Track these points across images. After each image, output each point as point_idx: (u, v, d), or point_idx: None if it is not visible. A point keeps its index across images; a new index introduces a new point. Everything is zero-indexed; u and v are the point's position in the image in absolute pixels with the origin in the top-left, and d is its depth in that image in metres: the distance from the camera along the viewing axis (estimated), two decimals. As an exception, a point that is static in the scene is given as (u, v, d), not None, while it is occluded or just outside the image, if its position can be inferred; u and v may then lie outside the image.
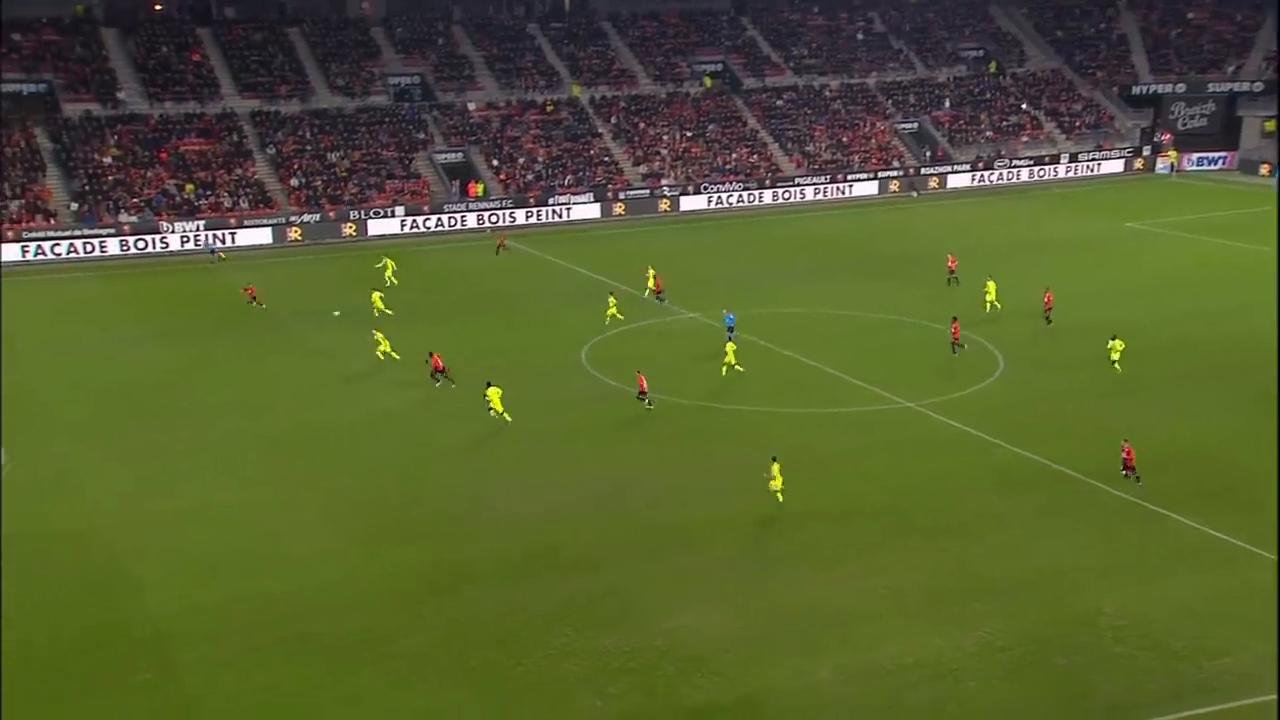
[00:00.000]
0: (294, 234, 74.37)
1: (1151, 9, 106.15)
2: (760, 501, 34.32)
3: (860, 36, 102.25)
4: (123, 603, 29.98)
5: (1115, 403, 42.83)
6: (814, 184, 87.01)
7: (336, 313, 54.76)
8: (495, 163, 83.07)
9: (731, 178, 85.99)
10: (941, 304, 54.50)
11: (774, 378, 46.54)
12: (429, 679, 26.58)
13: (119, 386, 46.58)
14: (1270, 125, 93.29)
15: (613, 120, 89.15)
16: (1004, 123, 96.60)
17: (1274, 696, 25.14)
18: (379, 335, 48.57)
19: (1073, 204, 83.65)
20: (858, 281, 61.45)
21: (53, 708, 25.77)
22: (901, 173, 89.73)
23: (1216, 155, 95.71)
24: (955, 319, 49.03)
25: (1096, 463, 36.49)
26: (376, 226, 76.24)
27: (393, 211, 77.17)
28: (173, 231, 71.94)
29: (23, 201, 71.33)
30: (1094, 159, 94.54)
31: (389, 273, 61.55)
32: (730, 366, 45.68)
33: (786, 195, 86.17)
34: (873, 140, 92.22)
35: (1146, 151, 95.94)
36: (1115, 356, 45.05)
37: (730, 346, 46.30)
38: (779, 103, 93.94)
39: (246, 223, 73.76)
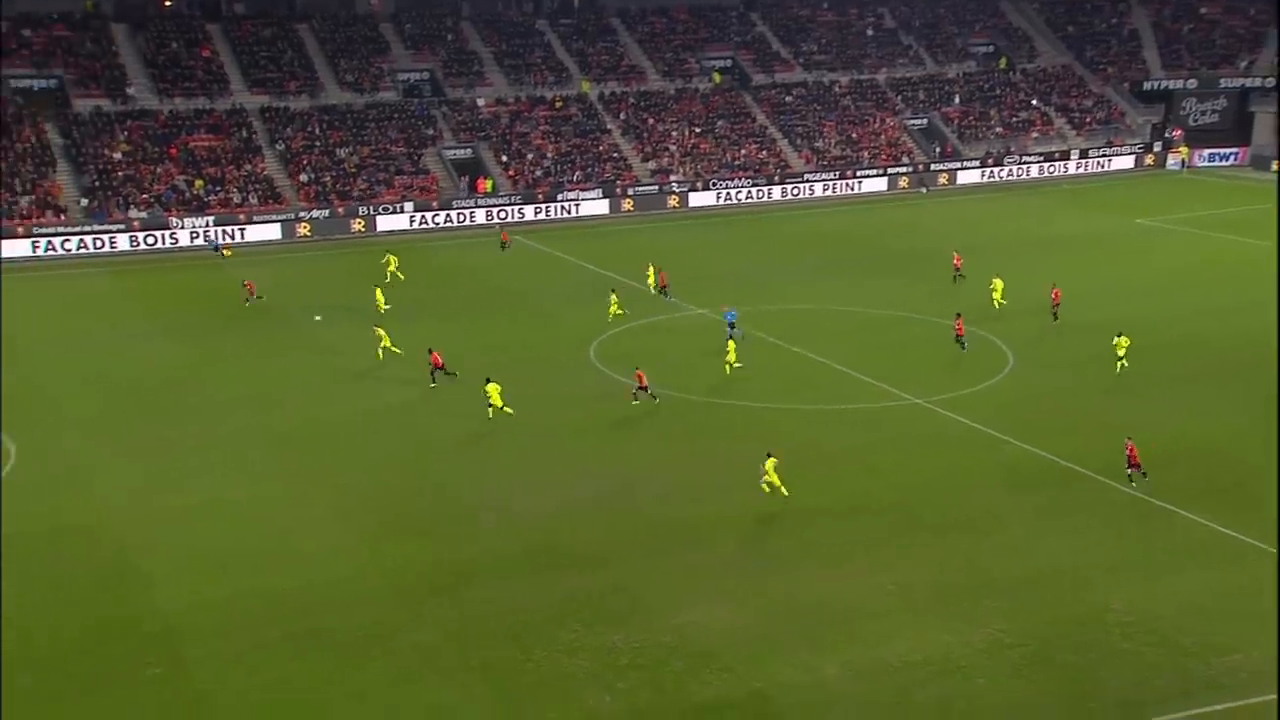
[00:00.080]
0: (303, 230, 74.48)
1: (1164, 4, 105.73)
2: (767, 498, 34.30)
3: (870, 32, 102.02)
4: (133, 598, 30.08)
5: (1125, 399, 42.73)
6: (823, 180, 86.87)
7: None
8: (504, 159, 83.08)
9: (740, 174, 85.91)
10: (950, 300, 54.38)
11: (782, 374, 46.51)
12: (438, 674, 26.63)
13: (129, 382, 46.71)
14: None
15: (622, 116, 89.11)
16: (1014, 119, 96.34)
17: (1283, 694, 25.10)
18: (380, 331, 48.64)
19: (1083, 200, 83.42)
20: (866, 278, 61.36)
21: (64, 701, 25.86)
22: (911, 169, 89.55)
23: (1228, 151, 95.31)
24: (959, 315, 48.96)
25: (1105, 459, 36.38)
26: (385, 222, 76.31)
27: (402, 207, 77.22)
28: (182, 227, 72.11)
29: (33, 197, 71.53)
30: (1104, 155, 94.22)
31: (391, 268, 61.59)
32: (731, 365, 45.56)
33: (795, 191, 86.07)
34: (882, 136, 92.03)
35: (1157, 147, 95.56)
36: (1120, 353, 44.92)
37: (731, 345, 46.20)
38: (788, 99, 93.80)
39: (256, 218, 73.87)
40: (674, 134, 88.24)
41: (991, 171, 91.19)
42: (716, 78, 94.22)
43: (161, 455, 39.19)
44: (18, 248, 68.44)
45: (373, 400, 44.38)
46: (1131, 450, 35.11)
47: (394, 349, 48.08)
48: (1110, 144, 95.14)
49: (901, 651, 27.04)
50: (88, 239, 70.19)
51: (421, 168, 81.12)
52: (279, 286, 59.10)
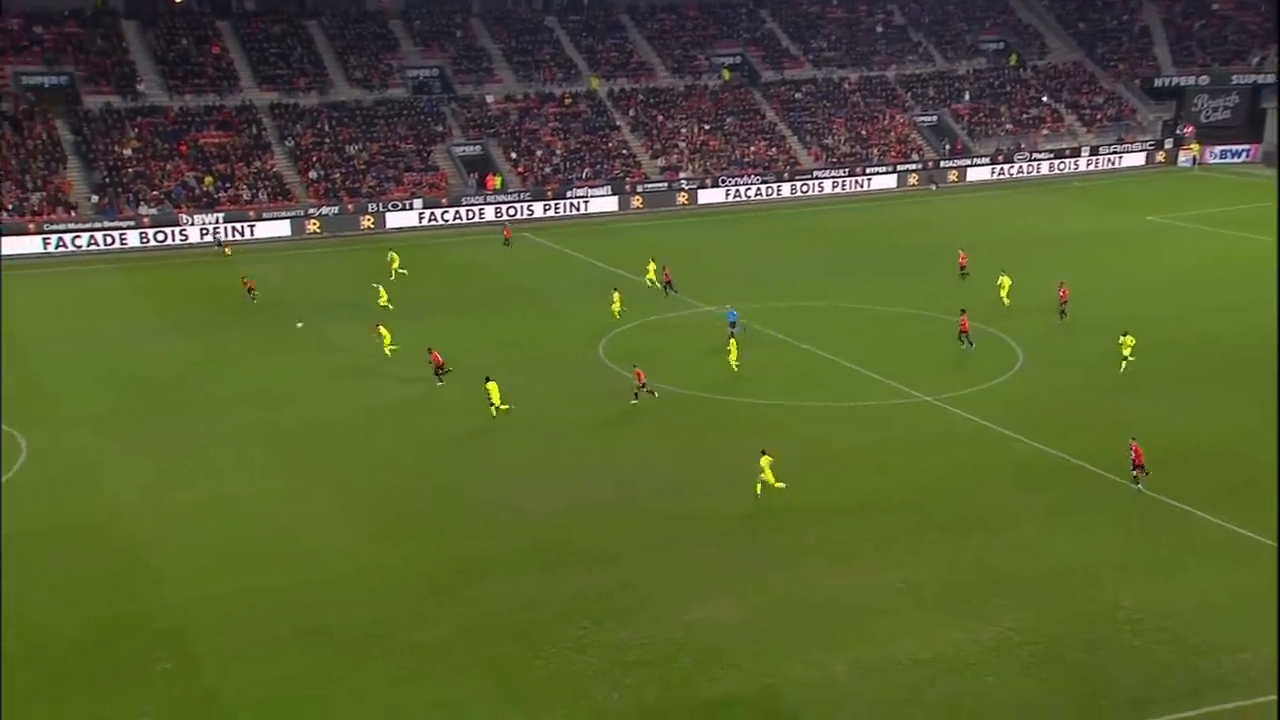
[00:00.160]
0: (312, 226, 74.54)
1: (1175, 0, 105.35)
2: (776, 495, 34.22)
3: (879, 29, 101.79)
4: (143, 594, 30.13)
5: (1135, 397, 42.57)
6: (832, 177, 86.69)
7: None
8: (513, 155, 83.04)
9: (750, 171, 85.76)
10: (959, 298, 54.17)
11: (791, 370, 46.44)
12: (444, 671, 26.62)
13: (139, 378, 46.79)
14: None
15: (631, 113, 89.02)
16: (1024, 115, 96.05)
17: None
18: (381, 329, 48.56)
19: (1093, 197, 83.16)
20: (875, 275, 61.23)
21: (76, 696, 25.90)
22: (920, 166, 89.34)
23: (1240, 148, 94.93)
24: (964, 311, 48.80)
25: (1116, 457, 36.19)
26: (394, 219, 76.31)
27: (411, 204, 77.22)
28: (192, 224, 72.21)
29: (44, 194, 71.70)
30: (1115, 152, 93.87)
31: (395, 266, 61.53)
32: (733, 364, 45.35)
33: (805, 188, 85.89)
34: (892, 133, 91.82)
35: (1168, 144, 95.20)
36: (1126, 352, 44.70)
37: (732, 344, 46.05)
38: (797, 95, 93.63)
39: (265, 215, 73.96)
40: (683, 131, 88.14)
41: (1001, 168, 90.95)
42: (726, 74, 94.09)
43: (171, 452, 39.25)
44: (29, 244, 68.56)
45: (377, 398, 44.37)
46: (1136, 451, 34.94)
47: (388, 350, 47.80)
48: (1121, 141, 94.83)
49: (911, 649, 26.98)
50: (98, 235, 70.35)
51: (431, 164, 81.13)
52: (287, 284, 59.09)
